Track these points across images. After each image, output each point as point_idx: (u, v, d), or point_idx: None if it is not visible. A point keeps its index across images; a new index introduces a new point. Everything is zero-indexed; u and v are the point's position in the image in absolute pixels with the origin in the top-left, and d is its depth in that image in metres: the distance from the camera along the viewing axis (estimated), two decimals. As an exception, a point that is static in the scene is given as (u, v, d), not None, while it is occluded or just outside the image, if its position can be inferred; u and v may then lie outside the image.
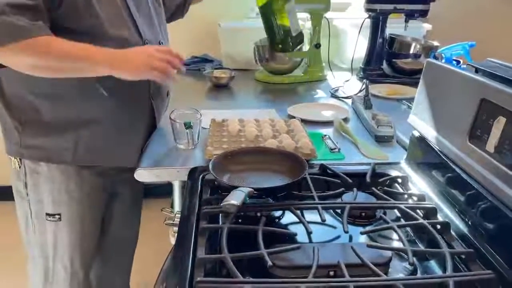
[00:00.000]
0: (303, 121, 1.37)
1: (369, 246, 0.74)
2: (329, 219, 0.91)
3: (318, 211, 0.85)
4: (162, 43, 1.24)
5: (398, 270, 0.76)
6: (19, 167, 1.15)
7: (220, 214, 0.87)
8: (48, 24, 1.00)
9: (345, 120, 1.42)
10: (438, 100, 0.96)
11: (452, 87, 0.91)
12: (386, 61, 1.91)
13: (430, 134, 0.96)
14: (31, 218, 1.18)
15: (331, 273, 0.72)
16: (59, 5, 1.01)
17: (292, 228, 0.88)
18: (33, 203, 1.16)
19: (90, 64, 1.00)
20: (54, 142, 1.12)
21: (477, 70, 0.92)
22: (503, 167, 0.72)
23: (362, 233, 0.81)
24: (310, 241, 0.84)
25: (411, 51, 1.87)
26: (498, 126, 0.75)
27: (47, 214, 1.16)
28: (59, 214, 1.16)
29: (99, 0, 1.05)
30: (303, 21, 2.02)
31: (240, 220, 0.85)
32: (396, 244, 0.84)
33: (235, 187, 0.83)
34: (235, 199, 0.75)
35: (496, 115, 0.76)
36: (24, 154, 1.14)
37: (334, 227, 0.90)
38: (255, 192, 0.83)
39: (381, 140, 1.25)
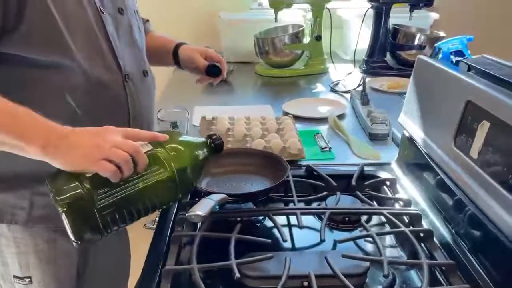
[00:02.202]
0: (298, 118, 1.34)
1: (344, 256, 0.71)
2: (315, 223, 0.89)
3: (297, 217, 0.83)
4: (147, 73, 1.02)
5: (376, 280, 0.73)
6: None
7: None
8: None
9: (342, 116, 1.38)
10: (427, 100, 0.92)
11: (440, 87, 0.86)
12: (389, 53, 1.85)
13: (419, 135, 0.92)
14: None
15: (305, 283, 0.70)
16: (16, 25, 0.78)
17: (276, 232, 0.86)
18: None
19: (18, 141, 0.73)
20: (3, 199, 0.92)
21: (469, 68, 0.87)
22: (485, 175, 0.68)
23: (339, 242, 0.78)
24: (293, 247, 0.83)
25: (416, 42, 1.81)
26: (482, 130, 0.71)
27: (15, 277, 0.98)
28: (29, 277, 0.98)
29: (68, 20, 0.83)
30: (305, 12, 1.98)
31: (218, 226, 0.84)
32: (387, 250, 0.82)
33: (211, 193, 0.81)
34: (201, 209, 0.73)
35: (481, 119, 0.72)
36: None
37: (319, 231, 0.87)
38: (230, 198, 0.81)
39: (375, 138, 1.21)
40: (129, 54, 0.96)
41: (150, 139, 0.76)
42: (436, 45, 1.35)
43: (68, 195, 0.70)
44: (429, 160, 0.87)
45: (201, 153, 0.79)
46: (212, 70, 1.14)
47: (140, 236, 1.28)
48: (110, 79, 0.90)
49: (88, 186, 0.71)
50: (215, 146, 0.81)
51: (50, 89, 0.85)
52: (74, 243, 0.72)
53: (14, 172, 0.90)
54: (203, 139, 0.82)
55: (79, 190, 0.70)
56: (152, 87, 1.05)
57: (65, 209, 0.70)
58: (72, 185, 0.71)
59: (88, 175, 0.71)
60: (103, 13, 0.90)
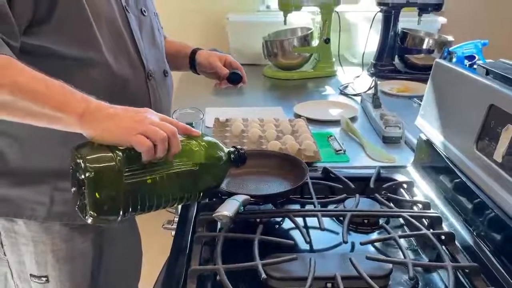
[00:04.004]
0: (309, 120, 1.34)
1: (368, 258, 0.72)
2: (332, 224, 0.89)
3: (318, 218, 0.83)
4: (167, 73, 1.04)
5: (399, 282, 0.73)
6: None
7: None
8: (15, 42, 0.76)
9: (353, 119, 1.39)
10: (446, 103, 0.92)
11: (461, 91, 0.87)
12: (398, 57, 1.86)
13: (437, 138, 0.92)
14: (12, 279, 1.01)
15: (329, 285, 0.70)
16: (48, 17, 0.78)
17: (294, 234, 0.86)
18: (13, 264, 0.99)
19: (56, 109, 0.71)
20: (24, 194, 0.91)
21: (488, 72, 0.88)
22: (510, 178, 0.69)
23: (362, 244, 0.78)
24: (311, 249, 0.83)
25: (424, 46, 1.82)
26: (507, 134, 0.71)
27: (32, 276, 0.98)
28: (45, 276, 0.98)
29: (98, 15, 0.85)
30: (313, 15, 1.99)
31: (238, 227, 0.84)
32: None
33: (232, 194, 0.82)
34: (228, 209, 0.73)
35: (505, 123, 0.72)
36: None
37: (337, 233, 0.87)
38: (251, 199, 0.81)
39: (389, 141, 1.22)
40: (151, 54, 0.97)
41: (184, 131, 0.77)
42: (450, 49, 1.36)
43: (102, 165, 0.67)
44: (448, 163, 0.87)
45: (227, 159, 0.81)
46: (234, 77, 1.19)
47: (151, 237, 1.28)
48: (133, 76, 0.92)
49: (120, 159, 0.68)
50: (239, 157, 0.82)
51: (76, 83, 0.83)
52: (90, 219, 0.69)
53: (36, 168, 0.91)
54: (230, 148, 0.84)
55: (113, 163, 0.68)
56: (171, 87, 1.07)
57: (93, 176, 0.67)
58: (106, 154, 0.68)
59: (121, 148, 0.69)
60: (128, 11, 0.91)
